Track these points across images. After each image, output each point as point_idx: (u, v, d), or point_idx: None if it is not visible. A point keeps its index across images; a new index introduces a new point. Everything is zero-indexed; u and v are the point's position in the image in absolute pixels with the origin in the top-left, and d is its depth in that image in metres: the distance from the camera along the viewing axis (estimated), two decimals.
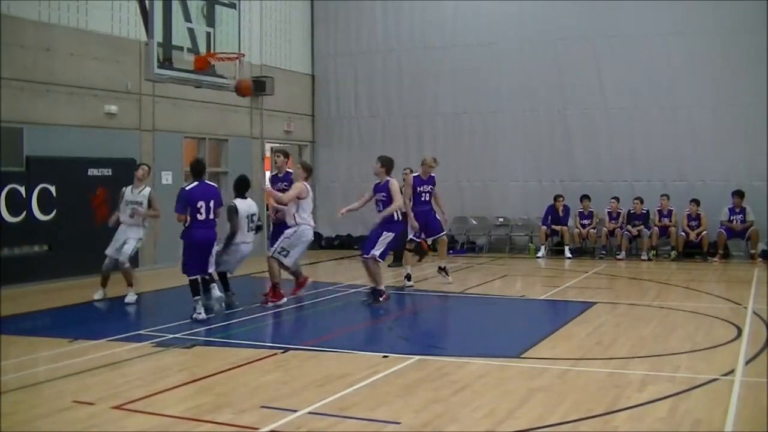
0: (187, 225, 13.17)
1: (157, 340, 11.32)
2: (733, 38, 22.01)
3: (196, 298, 13.03)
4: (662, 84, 22.84)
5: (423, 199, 16.93)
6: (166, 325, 12.31)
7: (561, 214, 22.96)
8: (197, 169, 13.57)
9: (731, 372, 9.14)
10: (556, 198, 23.09)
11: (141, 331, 11.93)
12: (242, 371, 9.56)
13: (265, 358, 10.38)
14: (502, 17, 24.55)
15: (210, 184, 13.65)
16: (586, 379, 9.09)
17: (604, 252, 22.56)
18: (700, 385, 8.61)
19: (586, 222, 22.89)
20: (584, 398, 8.22)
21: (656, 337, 11.45)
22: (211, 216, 13.22)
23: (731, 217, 21.49)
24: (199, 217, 13.09)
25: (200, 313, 12.84)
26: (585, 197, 22.93)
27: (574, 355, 10.26)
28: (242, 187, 14.31)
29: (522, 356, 10.40)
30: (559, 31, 23.83)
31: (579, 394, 8.42)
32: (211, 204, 13.20)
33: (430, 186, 17.02)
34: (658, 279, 17.92)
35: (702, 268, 20.12)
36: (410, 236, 16.86)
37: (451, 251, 23.16)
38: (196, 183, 13.36)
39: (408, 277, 16.96)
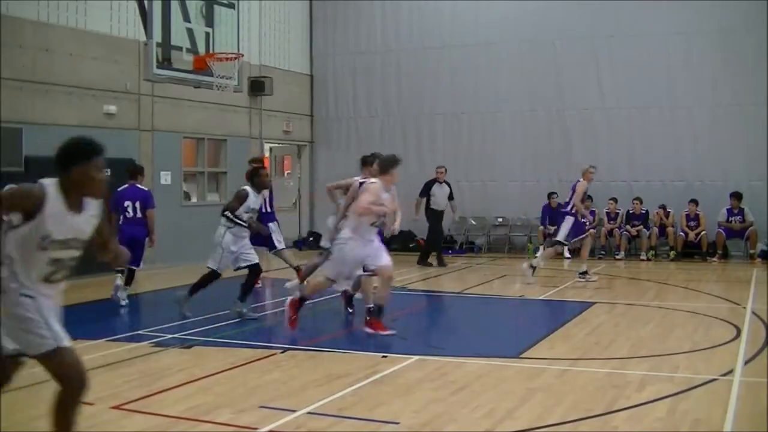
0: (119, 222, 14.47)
1: (156, 340, 11.33)
2: (733, 38, 22.01)
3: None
4: (661, 84, 22.87)
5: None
6: (165, 325, 12.31)
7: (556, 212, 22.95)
8: (131, 172, 15.05)
9: (730, 372, 9.16)
10: (549, 195, 23.03)
11: (140, 331, 11.95)
12: (241, 371, 9.57)
13: (264, 358, 10.38)
14: (500, 17, 24.58)
15: (140, 188, 14.89)
16: (585, 379, 9.10)
17: (603, 252, 22.57)
18: (699, 385, 8.62)
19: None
20: (583, 398, 8.23)
21: (655, 337, 11.46)
22: (138, 215, 14.53)
23: (729, 218, 21.53)
24: (127, 215, 14.49)
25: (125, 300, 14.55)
26: (587, 197, 22.93)
27: (572, 355, 10.27)
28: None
29: (521, 356, 10.42)
30: (558, 31, 23.86)
31: (578, 394, 8.43)
32: (137, 205, 14.52)
33: None
34: (657, 279, 17.94)
35: (701, 268, 20.15)
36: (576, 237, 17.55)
37: (449, 251, 23.20)
38: (126, 186, 14.75)
39: (584, 274, 17.41)
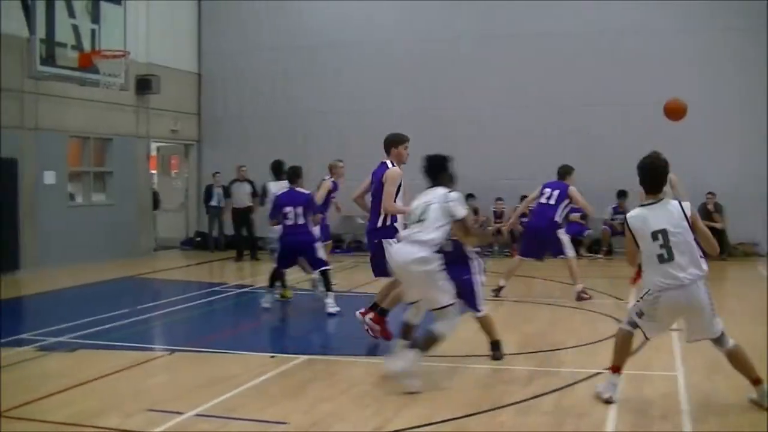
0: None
1: (39, 344, 11.08)
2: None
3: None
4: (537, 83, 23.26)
5: None
6: (49, 329, 12.02)
7: None
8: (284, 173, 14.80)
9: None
10: None
11: (22, 335, 11.64)
12: (128, 374, 9.44)
13: (151, 360, 10.27)
14: (393, 16, 24.69)
15: (300, 191, 13.94)
16: (473, 376, 9.20)
17: (490, 250, 22.77)
18: (583, 380, 8.79)
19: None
20: (471, 395, 8.33)
21: (541, 332, 11.63)
22: (300, 221, 13.65)
23: (614, 216, 22.00)
24: (287, 222, 13.65)
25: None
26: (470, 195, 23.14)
27: (460, 353, 10.34)
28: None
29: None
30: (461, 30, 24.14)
31: (466, 390, 8.53)
32: (299, 210, 13.63)
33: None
34: (542, 276, 18.13)
35: (586, 265, 20.48)
36: None
37: (337, 250, 23.17)
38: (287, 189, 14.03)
39: None
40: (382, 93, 24.56)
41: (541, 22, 23.24)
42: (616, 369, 7.97)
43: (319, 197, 15.11)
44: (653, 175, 7.85)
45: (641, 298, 7.79)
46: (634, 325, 7.93)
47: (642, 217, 7.81)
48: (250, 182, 22.77)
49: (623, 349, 8.02)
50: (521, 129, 23.27)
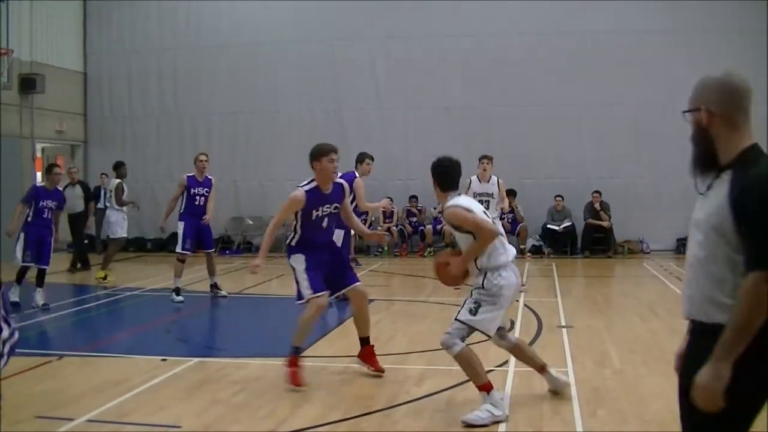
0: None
1: None
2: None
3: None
4: (436, 84, 23.46)
5: None
6: None
7: None
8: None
9: (505, 363, 9.48)
10: None
11: None
12: (14, 381, 9.21)
13: (38, 366, 10.06)
14: (277, 17, 24.69)
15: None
16: (366, 376, 9.25)
17: (380, 250, 22.88)
18: None
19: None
20: (364, 394, 8.40)
21: (433, 332, 11.66)
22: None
23: (502, 216, 22.30)
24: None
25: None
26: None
27: (352, 353, 10.38)
28: None
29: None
30: (335, 32, 24.18)
31: (359, 390, 8.60)
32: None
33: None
34: (432, 275, 18.23)
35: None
36: None
37: (227, 251, 23.08)
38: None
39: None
40: (274, 93, 24.55)
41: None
42: (485, 387, 7.54)
43: (175, 196, 15.54)
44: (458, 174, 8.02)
45: (477, 290, 7.60)
46: (464, 338, 7.59)
47: (468, 200, 8.07)
48: (83, 185, 21.29)
49: (475, 366, 7.62)
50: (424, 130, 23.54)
